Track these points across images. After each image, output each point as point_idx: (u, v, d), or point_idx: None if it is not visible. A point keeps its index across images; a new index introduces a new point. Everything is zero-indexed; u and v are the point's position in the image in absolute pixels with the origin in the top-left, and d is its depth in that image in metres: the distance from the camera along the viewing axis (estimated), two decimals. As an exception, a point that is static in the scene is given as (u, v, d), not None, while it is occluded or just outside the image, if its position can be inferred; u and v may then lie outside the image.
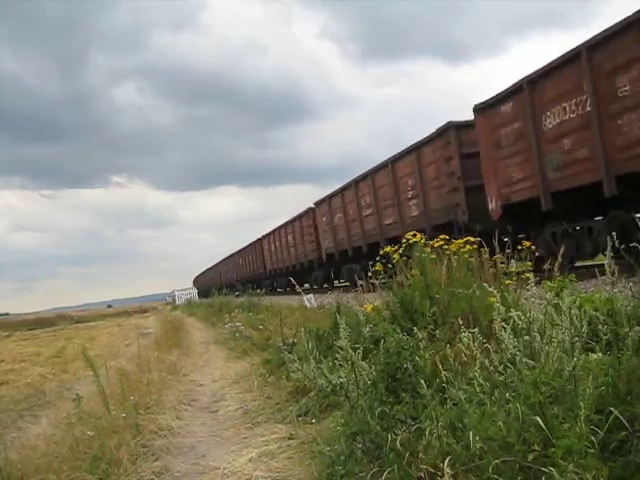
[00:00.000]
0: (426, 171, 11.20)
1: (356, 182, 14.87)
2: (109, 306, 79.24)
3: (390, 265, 4.66)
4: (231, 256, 37.33)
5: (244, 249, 32.81)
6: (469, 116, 10.30)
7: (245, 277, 32.19)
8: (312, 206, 19.49)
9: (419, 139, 11.41)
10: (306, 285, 22.89)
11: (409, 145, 11.85)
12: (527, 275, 3.43)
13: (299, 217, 21.31)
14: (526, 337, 2.07)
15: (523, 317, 2.12)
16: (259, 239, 28.57)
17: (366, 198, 14.27)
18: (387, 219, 13.19)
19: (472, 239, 4.30)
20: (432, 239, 7.98)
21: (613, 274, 2.15)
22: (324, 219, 17.97)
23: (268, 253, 26.63)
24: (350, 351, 2.48)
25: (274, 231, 25.37)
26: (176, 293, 43.02)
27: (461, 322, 2.53)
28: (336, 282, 18.96)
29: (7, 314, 71.98)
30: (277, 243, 24.83)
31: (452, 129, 10.13)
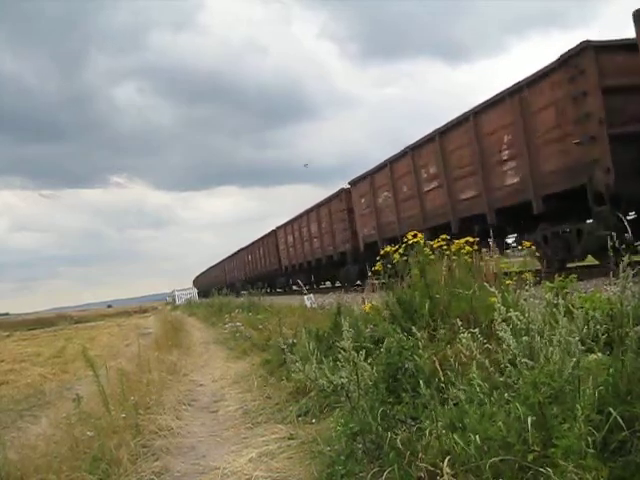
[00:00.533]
0: (537, 119, 7.99)
1: (413, 149, 11.53)
2: (109, 306, 79.28)
3: (390, 265, 4.63)
4: (238, 252, 34.02)
5: (254, 243, 29.33)
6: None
7: (255, 275, 29.05)
8: (346, 186, 16.09)
9: (523, 77, 8.14)
10: (327, 283, 20.47)
11: (505, 88, 8.64)
12: (526, 275, 3.44)
13: (327, 201, 17.78)
14: (525, 337, 2.07)
15: (522, 318, 2.12)
16: (273, 230, 25.10)
17: (429, 168, 10.99)
18: (464, 192, 9.95)
19: (471, 239, 4.29)
20: (544, 213, 6.57)
21: (626, 277, 2.12)
22: (363, 201, 14.54)
23: (284, 246, 23.00)
24: (353, 353, 2.48)
25: (293, 220, 21.76)
26: (176, 293, 43.05)
27: (461, 322, 2.53)
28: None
29: (7, 314, 72.03)
30: (297, 234, 21.21)
31: (590, 51, 6.99)
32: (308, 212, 20.00)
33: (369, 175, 14.05)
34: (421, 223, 11.22)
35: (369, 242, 14.27)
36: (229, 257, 37.80)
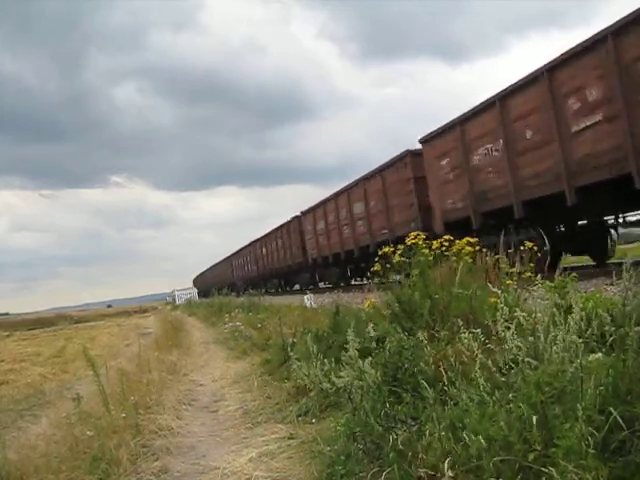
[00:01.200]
0: None
1: (555, 67, 7.62)
2: (109, 306, 79.31)
3: (389, 265, 4.61)
4: (250, 245, 29.99)
5: (271, 233, 25.54)
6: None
7: (270, 270, 25.61)
8: (410, 149, 12.03)
9: None
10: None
11: None
12: (529, 275, 3.44)
13: (380, 170, 13.58)
14: (530, 338, 2.07)
15: (528, 318, 2.11)
16: (297, 216, 21.36)
17: (586, 93, 7.13)
18: None
19: (472, 240, 4.29)
20: None
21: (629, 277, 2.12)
22: (444, 162, 10.47)
23: (312, 234, 19.11)
24: (359, 361, 2.49)
25: (326, 201, 17.80)
26: (176, 293, 43.05)
27: (461, 323, 2.53)
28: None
29: (7, 314, 72.06)
30: (331, 217, 17.24)
31: None
32: (349, 188, 15.70)
33: (458, 124, 9.95)
34: (562, 181, 7.55)
35: (454, 219, 10.29)
36: (238, 251, 33.97)
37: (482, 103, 9.28)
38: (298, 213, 21.27)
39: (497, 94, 8.81)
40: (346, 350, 2.77)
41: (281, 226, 23.70)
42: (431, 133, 10.94)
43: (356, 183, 15.26)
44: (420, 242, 4.29)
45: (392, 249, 4.57)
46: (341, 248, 16.53)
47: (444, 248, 4.25)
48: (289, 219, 22.57)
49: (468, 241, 4.26)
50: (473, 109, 9.58)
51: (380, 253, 4.73)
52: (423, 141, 11.31)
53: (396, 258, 4.47)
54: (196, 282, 53.63)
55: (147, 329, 15.93)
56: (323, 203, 18.12)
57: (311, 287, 20.50)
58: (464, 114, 9.84)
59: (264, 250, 26.71)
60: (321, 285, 20.70)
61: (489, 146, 9.21)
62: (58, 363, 10.61)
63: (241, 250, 32.72)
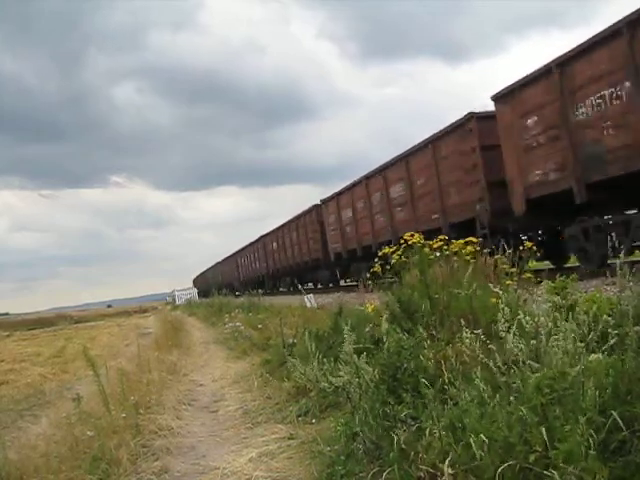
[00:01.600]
0: None
1: None
2: (109, 306, 79.32)
3: (389, 266, 4.60)
4: (258, 240, 27.21)
5: (283, 227, 22.83)
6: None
7: (283, 268, 23.10)
8: (473, 111, 9.45)
9: None
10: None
11: None
12: (528, 275, 3.44)
13: (431, 141, 10.80)
14: (532, 341, 2.06)
15: (530, 321, 2.10)
16: (316, 205, 18.63)
17: None
18: None
19: (474, 239, 4.28)
20: None
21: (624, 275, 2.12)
22: (530, 122, 8.11)
23: (335, 225, 16.58)
24: (355, 358, 2.49)
25: (353, 186, 15.16)
26: (176, 293, 43.08)
27: (463, 323, 2.52)
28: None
29: (7, 314, 72.05)
30: (359, 205, 14.74)
31: None
32: (385, 168, 13.05)
33: (557, 66, 7.43)
34: None
35: (542, 195, 8.05)
36: (244, 248, 31.27)
37: (598, 34, 6.72)
38: (317, 202, 18.50)
39: (623, 18, 6.37)
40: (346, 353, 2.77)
41: (296, 218, 20.90)
42: (511, 86, 8.33)
43: (396, 160, 12.48)
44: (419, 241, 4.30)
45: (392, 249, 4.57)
46: (374, 240, 13.73)
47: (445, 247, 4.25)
48: (306, 209, 19.64)
49: (470, 241, 4.25)
50: (581, 45, 7.01)
51: (380, 254, 4.73)
52: (498, 97, 8.68)
53: (394, 258, 4.47)
54: (196, 282, 53.56)
55: (147, 329, 15.93)
56: (349, 188, 15.48)
57: (331, 285, 18.83)
58: (566, 52, 7.22)
59: (275, 245, 24.05)
60: (342, 283, 18.46)
61: (606, 92, 6.72)
62: (58, 363, 10.61)
63: (248, 246, 30.10)
